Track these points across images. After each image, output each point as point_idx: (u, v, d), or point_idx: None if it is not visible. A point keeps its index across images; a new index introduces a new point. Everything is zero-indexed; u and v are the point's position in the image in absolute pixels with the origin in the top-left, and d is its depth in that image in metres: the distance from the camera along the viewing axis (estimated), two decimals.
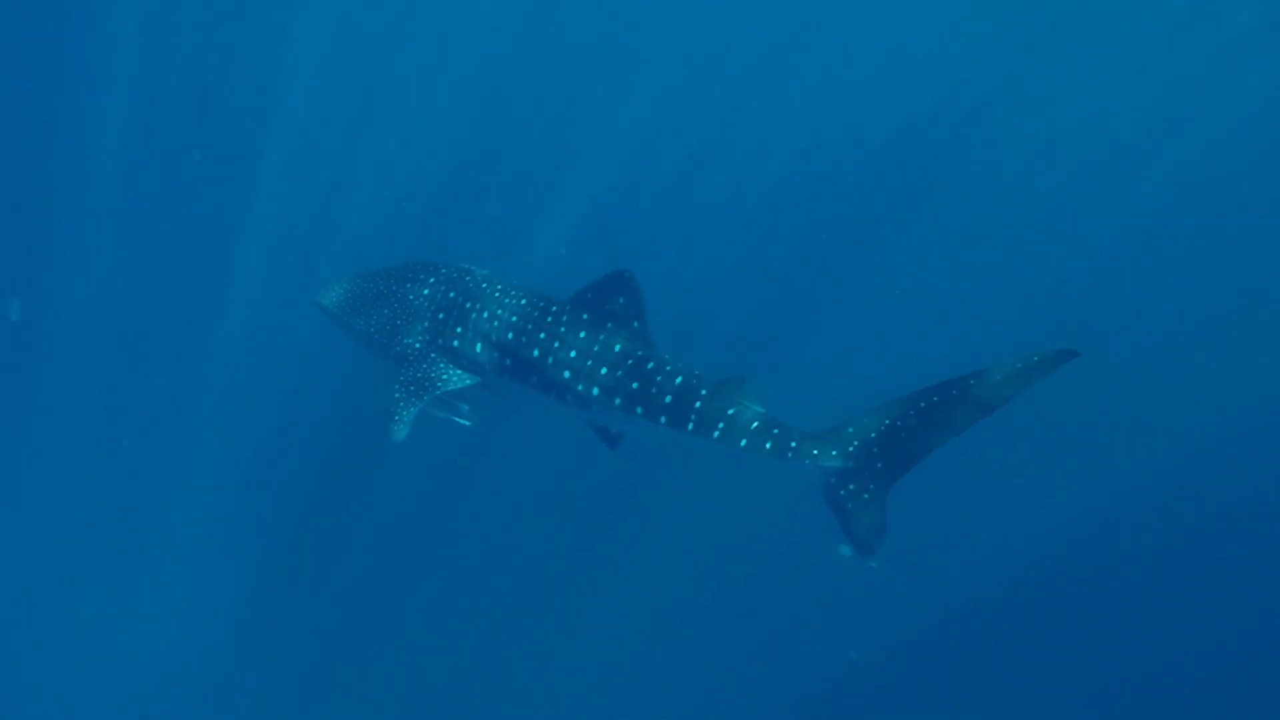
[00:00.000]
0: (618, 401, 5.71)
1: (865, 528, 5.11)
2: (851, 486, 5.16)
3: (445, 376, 6.19)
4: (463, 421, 6.36)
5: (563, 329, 5.94)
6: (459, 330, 6.31)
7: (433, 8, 12.43)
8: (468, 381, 6.21)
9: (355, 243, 10.76)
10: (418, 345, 6.40)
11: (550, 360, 5.91)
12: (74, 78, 11.15)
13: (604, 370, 5.75)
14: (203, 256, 10.84)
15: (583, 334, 5.87)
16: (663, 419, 5.58)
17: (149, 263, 10.90)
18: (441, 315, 6.41)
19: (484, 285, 6.41)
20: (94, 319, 10.77)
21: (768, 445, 5.32)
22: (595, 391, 5.78)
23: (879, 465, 5.11)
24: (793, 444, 5.27)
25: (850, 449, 5.16)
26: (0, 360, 10.47)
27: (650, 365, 5.68)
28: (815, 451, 5.21)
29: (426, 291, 6.55)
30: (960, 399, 4.86)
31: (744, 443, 5.37)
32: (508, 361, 6.13)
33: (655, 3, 12.85)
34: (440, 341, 6.37)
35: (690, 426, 5.49)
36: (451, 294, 6.45)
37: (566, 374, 5.86)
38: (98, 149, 10.92)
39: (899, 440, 5.06)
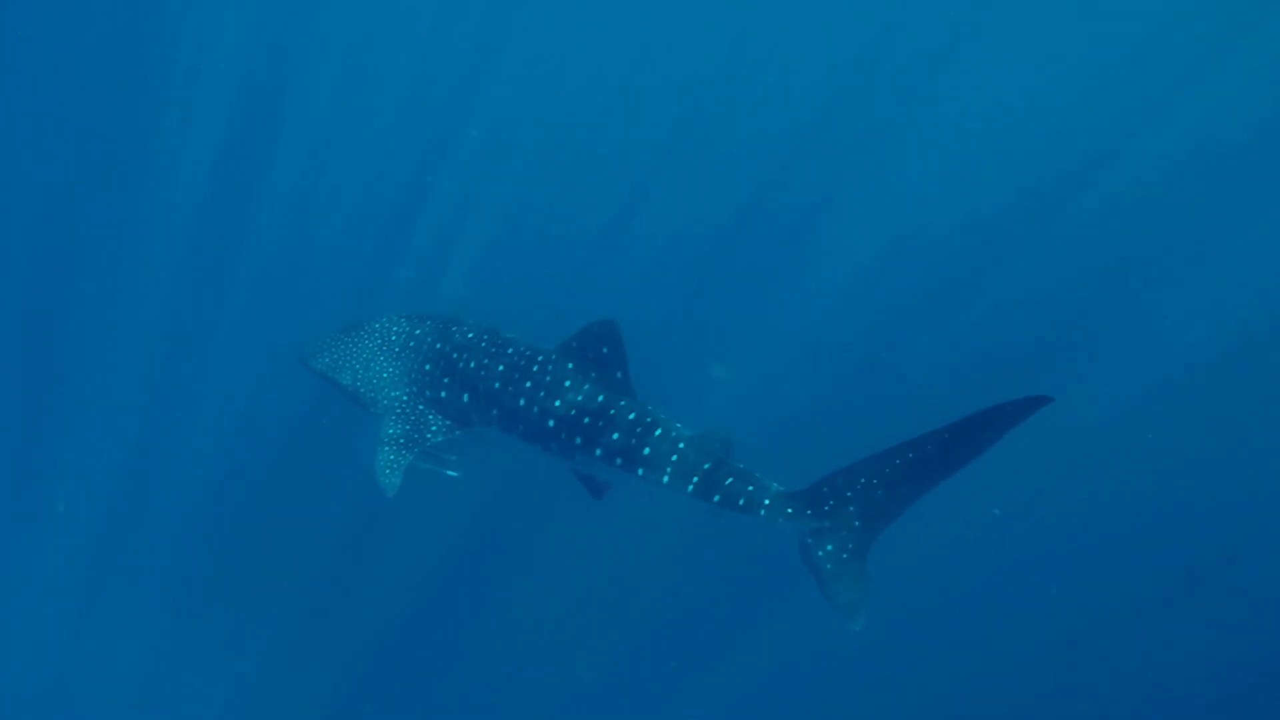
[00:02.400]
0: (598, 451, 5.66)
1: (845, 589, 4.92)
2: (830, 547, 4.98)
3: (433, 428, 6.22)
4: (450, 473, 6.40)
5: (548, 379, 5.91)
6: (446, 381, 6.33)
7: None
8: (455, 432, 6.22)
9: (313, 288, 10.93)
10: (404, 398, 6.44)
11: (536, 410, 5.90)
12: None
13: (586, 420, 5.71)
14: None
15: (568, 383, 5.85)
16: (640, 470, 5.51)
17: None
18: (428, 367, 6.44)
19: (470, 335, 6.42)
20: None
21: (740, 502, 5.18)
22: (578, 440, 5.74)
23: (856, 524, 4.93)
24: (766, 501, 5.12)
25: (826, 507, 4.97)
26: None
27: (631, 416, 5.63)
28: (790, 510, 5.05)
29: (412, 344, 6.60)
30: (935, 453, 4.67)
31: (717, 498, 5.26)
32: (494, 411, 6.13)
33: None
34: (428, 393, 6.39)
35: (666, 479, 5.42)
36: (438, 345, 6.47)
37: (551, 423, 5.84)
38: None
39: (875, 496, 4.87)
